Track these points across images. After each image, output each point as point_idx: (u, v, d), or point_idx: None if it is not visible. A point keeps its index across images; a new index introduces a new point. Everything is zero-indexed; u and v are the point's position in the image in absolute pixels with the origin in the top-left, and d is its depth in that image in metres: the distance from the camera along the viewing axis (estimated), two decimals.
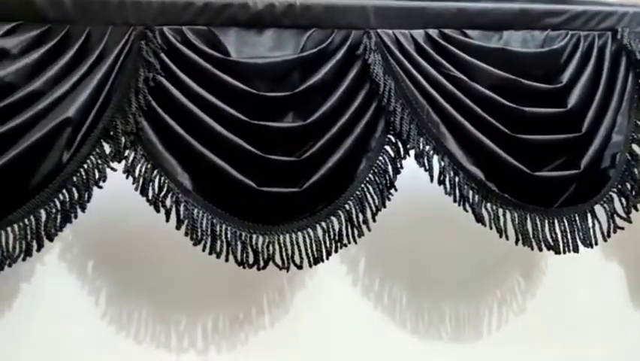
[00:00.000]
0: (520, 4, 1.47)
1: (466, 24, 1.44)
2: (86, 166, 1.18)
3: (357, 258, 1.49)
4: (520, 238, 1.32)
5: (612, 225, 1.37)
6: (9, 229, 1.12)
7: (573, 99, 1.40)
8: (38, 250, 1.14)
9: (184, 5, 1.30)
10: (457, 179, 1.32)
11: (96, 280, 1.38)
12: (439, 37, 1.41)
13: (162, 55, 1.26)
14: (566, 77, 1.42)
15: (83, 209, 1.17)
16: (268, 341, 1.43)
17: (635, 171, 1.43)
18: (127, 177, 1.20)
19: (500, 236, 1.31)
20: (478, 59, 1.39)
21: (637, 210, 1.42)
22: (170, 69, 1.26)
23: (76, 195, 1.16)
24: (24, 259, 1.13)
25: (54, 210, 1.15)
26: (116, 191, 1.23)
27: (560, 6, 1.48)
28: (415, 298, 1.52)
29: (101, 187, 1.18)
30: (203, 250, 1.20)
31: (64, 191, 1.16)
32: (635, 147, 1.45)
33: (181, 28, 1.30)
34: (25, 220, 1.13)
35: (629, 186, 1.42)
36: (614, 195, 1.38)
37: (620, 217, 1.39)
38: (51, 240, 1.14)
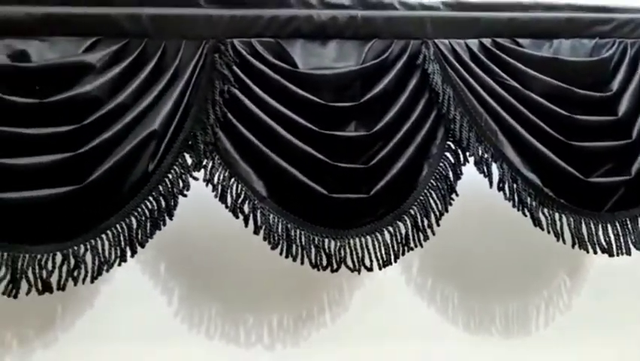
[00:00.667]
0: (568, 13, 1.52)
1: (518, 33, 1.49)
2: (170, 176, 1.25)
3: (411, 259, 1.56)
4: (576, 241, 1.38)
5: None
6: (104, 236, 1.20)
7: (623, 107, 1.45)
8: (132, 255, 1.21)
9: (253, 18, 1.37)
10: (515, 185, 1.38)
11: (169, 281, 1.45)
12: (493, 45, 1.47)
13: (234, 67, 1.32)
14: (615, 85, 1.47)
15: (171, 217, 1.24)
16: (329, 337, 1.50)
17: None
18: (207, 185, 1.27)
19: (557, 240, 1.37)
20: (531, 68, 1.45)
21: None
22: (242, 81, 1.33)
23: (163, 203, 1.24)
24: (119, 265, 1.21)
25: (143, 218, 1.23)
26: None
27: (607, 14, 1.54)
28: (466, 298, 1.58)
29: (185, 195, 1.25)
30: (280, 254, 1.28)
31: (151, 199, 1.23)
32: None
33: (250, 41, 1.36)
34: (118, 227, 1.21)
35: None
36: None
37: None
38: (142, 246, 1.22)
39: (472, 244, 1.58)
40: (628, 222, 1.41)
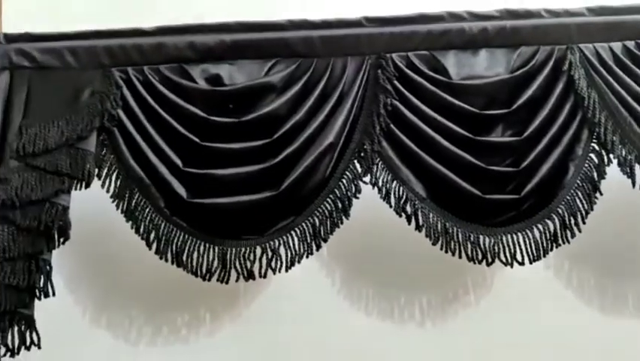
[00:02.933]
0: None
1: None
2: (344, 181, 1.45)
3: None
4: None
5: None
6: (293, 232, 1.43)
7: None
8: (317, 249, 1.44)
9: (410, 34, 1.52)
10: None
11: (331, 264, 1.67)
12: (636, 48, 1.54)
13: (395, 81, 1.48)
14: None
15: (347, 216, 1.45)
16: (474, 316, 1.67)
17: None
18: (373, 188, 1.46)
19: None
20: None
21: None
22: (401, 93, 1.49)
23: (339, 204, 1.44)
24: (307, 257, 1.44)
25: (324, 217, 1.44)
26: None
27: None
28: (600, 280, 1.70)
29: (358, 198, 1.45)
30: (441, 249, 1.45)
31: (329, 201, 1.44)
32: None
33: (407, 55, 1.51)
34: (304, 225, 1.43)
35: None
36: None
37: None
38: (325, 241, 1.44)
39: (607, 232, 1.68)
40: None
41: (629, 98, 1.50)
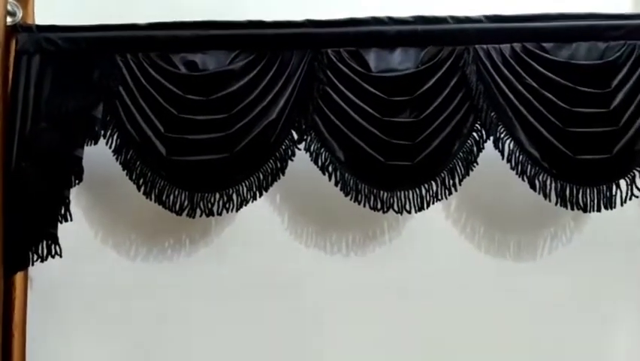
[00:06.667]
0: (587, 21, 1.97)
1: (544, 38, 1.96)
2: (283, 146, 1.94)
3: (450, 201, 2.11)
4: (559, 200, 1.93)
5: (630, 194, 1.93)
6: (243, 184, 1.94)
7: (617, 101, 1.90)
8: (260, 196, 1.96)
9: (342, 34, 1.94)
10: (520, 158, 1.93)
11: (281, 207, 2.19)
12: (521, 50, 1.94)
13: (327, 71, 1.95)
14: (615, 82, 1.92)
15: (283, 173, 1.95)
16: (387, 252, 2.17)
17: None
18: (305, 152, 1.95)
19: (545, 199, 1.92)
20: (549, 70, 1.91)
21: None
22: (332, 81, 1.93)
23: (279, 164, 1.94)
24: (252, 202, 1.95)
25: (267, 173, 1.94)
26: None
27: (619, 21, 1.96)
28: (489, 230, 2.17)
29: (292, 160, 1.95)
30: (350, 200, 1.94)
31: (271, 162, 1.94)
32: None
33: (339, 50, 1.96)
34: (252, 179, 1.94)
35: None
36: (637, 173, 1.93)
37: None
38: (267, 191, 1.95)
39: (498, 192, 2.15)
40: (604, 189, 1.92)
41: (507, 91, 1.93)
